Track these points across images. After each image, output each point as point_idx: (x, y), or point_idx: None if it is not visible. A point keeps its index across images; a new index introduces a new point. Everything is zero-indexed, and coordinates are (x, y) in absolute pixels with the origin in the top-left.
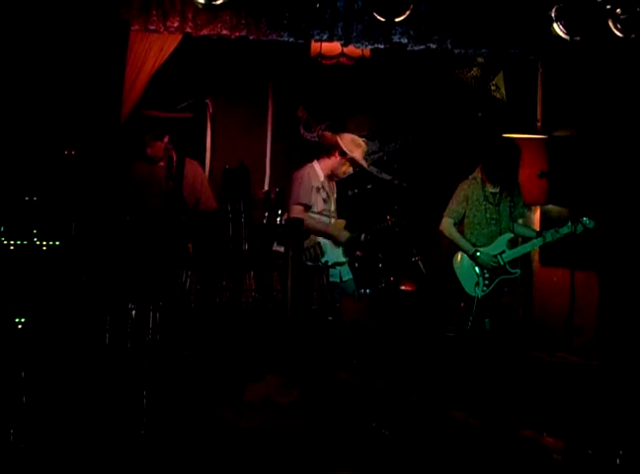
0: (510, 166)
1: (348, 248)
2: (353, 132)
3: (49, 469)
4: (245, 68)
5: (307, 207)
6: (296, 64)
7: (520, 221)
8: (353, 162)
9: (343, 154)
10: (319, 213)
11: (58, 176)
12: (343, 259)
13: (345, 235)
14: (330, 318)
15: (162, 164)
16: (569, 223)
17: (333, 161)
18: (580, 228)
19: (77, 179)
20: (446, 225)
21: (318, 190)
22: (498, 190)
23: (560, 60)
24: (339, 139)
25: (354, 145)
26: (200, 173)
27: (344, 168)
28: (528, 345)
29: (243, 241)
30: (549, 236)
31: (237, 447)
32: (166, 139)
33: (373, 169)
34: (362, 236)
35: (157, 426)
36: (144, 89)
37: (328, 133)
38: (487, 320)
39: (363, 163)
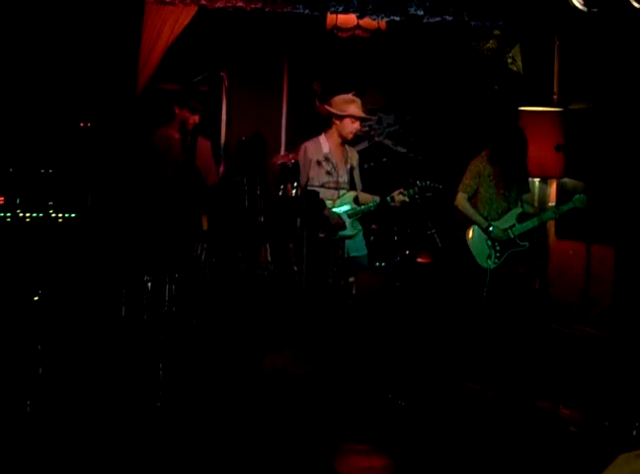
0: (514, 155)
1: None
2: (367, 105)
3: (65, 440)
4: (260, 41)
5: (301, 184)
6: (312, 37)
7: (524, 197)
8: (352, 119)
9: (339, 117)
10: (321, 186)
11: (74, 148)
12: (347, 233)
13: (334, 217)
14: (346, 290)
15: (177, 136)
16: (567, 203)
17: (335, 128)
18: (571, 205)
19: (93, 151)
20: (461, 200)
21: (319, 163)
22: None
23: (577, 32)
24: (328, 107)
25: (345, 104)
26: (209, 149)
27: (348, 128)
28: (544, 317)
29: (259, 213)
30: (548, 214)
31: (253, 418)
32: (197, 118)
33: (389, 142)
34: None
35: (173, 397)
36: (160, 62)
37: (319, 107)
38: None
39: (361, 114)
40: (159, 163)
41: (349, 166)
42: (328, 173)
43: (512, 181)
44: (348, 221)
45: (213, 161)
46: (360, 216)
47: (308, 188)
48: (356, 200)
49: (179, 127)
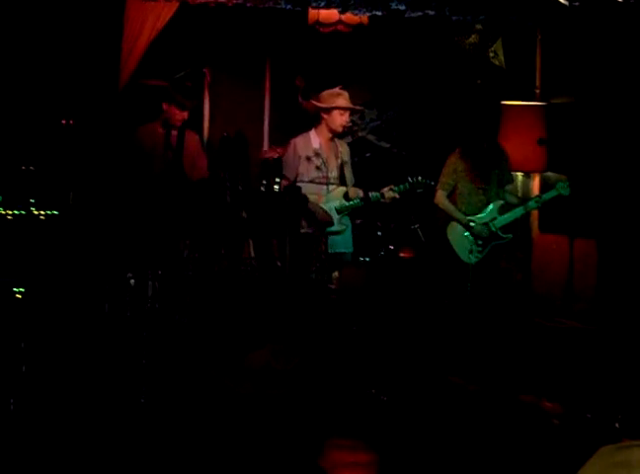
0: (483, 148)
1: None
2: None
3: (49, 438)
4: (242, 37)
5: (290, 180)
6: (294, 32)
7: (508, 188)
8: (340, 112)
9: (326, 111)
10: (311, 182)
11: (56, 145)
12: (336, 229)
13: (320, 213)
14: (330, 286)
15: (161, 131)
16: (549, 191)
17: (324, 122)
18: (554, 193)
19: (75, 148)
20: (440, 198)
21: (309, 158)
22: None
23: (559, 26)
24: (315, 102)
25: (332, 97)
26: (197, 143)
27: (337, 121)
28: (527, 310)
29: (241, 209)
30: (531, 204)
31: (237, 414)
32: (186, 114)
33: (372, 137)
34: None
35: (157, 394)
36: (142, 58)
37: (305, 103)
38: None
39: (348, 105)
40: (142, 159)
41: (339, 161)
42: (318, 168)
43: (488, 174)
44: (336, 217)
45: (202, 155)
46: (350, 212)
47: (298, 183)
48: (345, 196)
49: (162, 123)
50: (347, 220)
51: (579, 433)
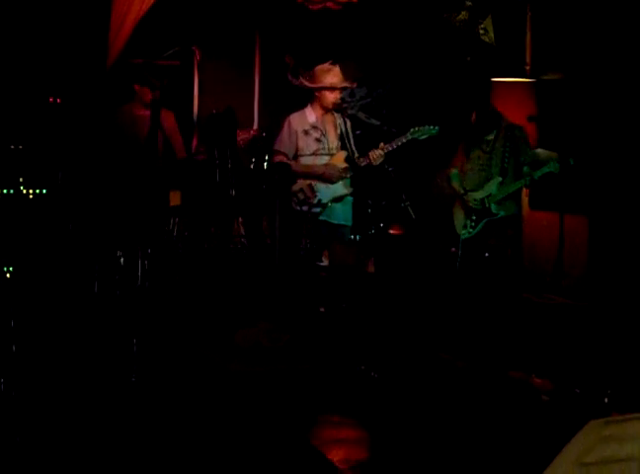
0: (476, 128)
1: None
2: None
3: (40, 417)
4: (232, 15)
5: (289, 156)
6: (283, 10)
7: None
8: (331, 89)
9: (318, 89)
10: (313, 155)
11: (44, 124)
12: (343, 191)
13: (326, 172)
14: (320, 263)
15: (141, 113)
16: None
17: (317, 99)
18: (545, 170)
19: (63, 127)
20: (450, 174)
21: (306, 132)
22: (492, 137)
23: (549, 3)
24: (303, 80)
25: (322, 74)
26: (173, 122)
27: (328, 99)
28: (517, 286)
29: (230, 187)
30: (522, 181)
31: (228, 392)
32: (158, 94)
33: (362, 115)
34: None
35: (148, 372)
36: (130, 36)
37: (296, 81)
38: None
39: (335, 84)
40: (124, 139)
41: (339, 131)
42: (317, 140)
43: (492, 152)
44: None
45: (179, 133)
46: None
47: (300, 158)
48: (347, 159)
49: (150, 105)
50: (349, 185)
51: (568, 408)
